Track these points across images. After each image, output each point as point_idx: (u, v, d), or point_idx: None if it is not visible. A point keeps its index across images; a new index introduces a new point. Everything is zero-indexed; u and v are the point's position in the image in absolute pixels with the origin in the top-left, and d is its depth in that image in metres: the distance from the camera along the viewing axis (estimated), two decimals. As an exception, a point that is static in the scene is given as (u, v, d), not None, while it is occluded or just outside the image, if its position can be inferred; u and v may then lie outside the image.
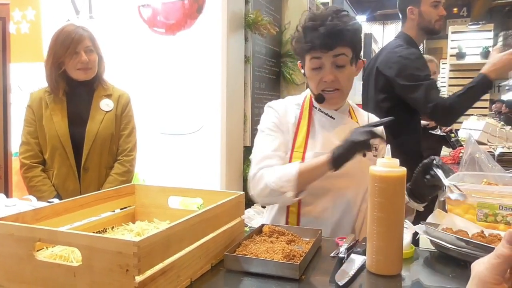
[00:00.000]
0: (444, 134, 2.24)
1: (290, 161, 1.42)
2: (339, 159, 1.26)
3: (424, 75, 2.16)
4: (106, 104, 2.02)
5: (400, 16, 2.40)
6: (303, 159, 1.40)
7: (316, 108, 1.49)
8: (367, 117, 1.55)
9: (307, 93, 1.55)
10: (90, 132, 1.95)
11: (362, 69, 1.57)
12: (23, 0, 3.37)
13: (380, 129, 1.35)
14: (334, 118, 1.47)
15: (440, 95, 2.13)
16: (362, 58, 1.47)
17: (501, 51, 2.08)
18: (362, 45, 1.48)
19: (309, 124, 1.46)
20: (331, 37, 1.33)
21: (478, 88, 2.11)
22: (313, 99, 1.48)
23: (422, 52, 2.48)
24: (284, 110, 1.50)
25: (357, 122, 1.49)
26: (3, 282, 0.87)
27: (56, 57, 1.92)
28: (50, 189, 1.95)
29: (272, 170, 1.37)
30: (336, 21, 1.35)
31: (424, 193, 1.28)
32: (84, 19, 3.09)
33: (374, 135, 1.25)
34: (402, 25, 2.40)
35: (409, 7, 2.30)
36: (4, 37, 3.19)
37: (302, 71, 1.48)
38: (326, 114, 1.48)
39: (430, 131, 2.29)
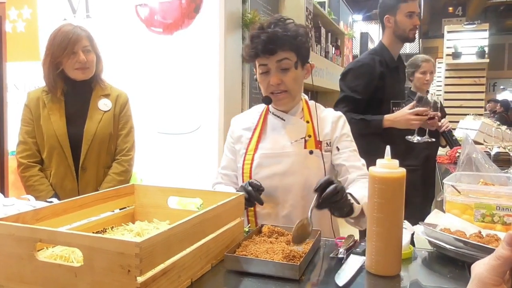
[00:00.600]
0: (429, 140, 2.19)
1: (243, 164, 1.54)
2: None
3: (354, 86, 2.34)
4: (104, 104, 2.02)
5: (380, 24, 2.53)
6: (252, 160, 1.52)
7: (271, 112, 1.58)
8: (315, 109, 1.58)
9: None
10: (88, 132, 1.95)
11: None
12: (19, -2, 3.36)
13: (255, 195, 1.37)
14: (284, 120, 1.55)
15: (346, 109, 2.26)
16: (310, 62, 1.54)
17: (414, 107, 2.21)
18: (309, 48, 1.56)
19: (262, 128, 1.57)
20: (271, 42, 1.42)
21: (371, 125, 2.29)
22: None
23: (418, 51, 2.53)
24: (241, 121, 1.64)
25: (308, 121, 1.54)
26: (3, 282, 0.87)
27: (54, 57, 1.92)
28: (48, 189, 1.95)
29: (218, 189, 1.58)
30: (277, 28, 1.43)
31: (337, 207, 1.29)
32: (81, 18, 3.08)
33: (248, 192, 1.35)
34: (382, 33, 2.53)
35: (386, 16, 2.43)
36: (0, 36, 3.19)
37: (255, 76, 1.53)
38: (278, 117, 1.56)
39: (406, 137, 2.25)
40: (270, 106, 1.58)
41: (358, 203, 1.33)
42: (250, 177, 1.51)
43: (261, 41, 1.42)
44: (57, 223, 1.04)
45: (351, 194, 1.34)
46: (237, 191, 1.42)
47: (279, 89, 1.47)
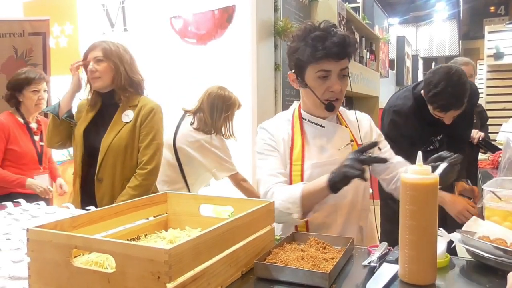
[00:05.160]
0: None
1: (290, 175, 1.46)
2: (335, 186, 1.28)
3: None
4: (126, 115, 2.00)
5: None
6: (302, 171, 1.44)
7: (305, 120, 1.52)
8: (356, 117, 1.55)
9: (295, 107, 1.58)
10: (104, 143, 1.95)
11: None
12: (61, 15, 3.52)
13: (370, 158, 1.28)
14: (324, 127, 1.50)
15: None
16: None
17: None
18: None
19: (302, 136, 1.50)
20: (345, 46, 1.36)
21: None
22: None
23: (458, 53, 2.35)
24: (275, 128, 1.53)
25: (347, 127, 1.52)
26: (41, 287, 0.91)
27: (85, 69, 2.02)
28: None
29: (280, 190, 1.39)
30: (342, 33, 1.39)
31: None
32: (119, 32, 3.19)
33: (367, 162, 1.25)
34: None
35: None
36: (45, 52, 3.34)
37: (295, 84, 1.49)
38: (316, 124, 1.50)
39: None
40: (302, 113, 1.53)
41: None
42: None
43: (333, 43, 1.34)
44: (94, 230, 1.07)
45: None
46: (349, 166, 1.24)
47: (335, 96, 1.42)
